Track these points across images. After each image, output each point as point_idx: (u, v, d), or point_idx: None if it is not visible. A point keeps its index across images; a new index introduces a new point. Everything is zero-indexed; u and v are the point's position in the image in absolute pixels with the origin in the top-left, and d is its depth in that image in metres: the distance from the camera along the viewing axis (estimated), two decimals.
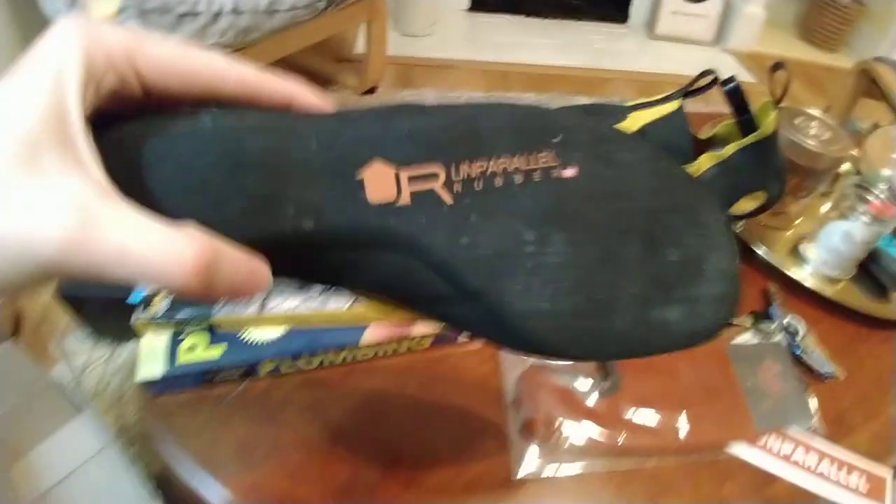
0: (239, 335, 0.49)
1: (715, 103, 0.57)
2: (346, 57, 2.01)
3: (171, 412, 0.48)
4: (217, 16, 1.06)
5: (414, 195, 0.22)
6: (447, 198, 0.23)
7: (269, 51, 1.34)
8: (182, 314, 0.48)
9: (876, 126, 0.93)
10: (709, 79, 0.51)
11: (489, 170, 0.23)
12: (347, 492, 0.44)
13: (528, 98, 2.09)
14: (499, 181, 0.23)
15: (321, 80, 1.96)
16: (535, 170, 0.24)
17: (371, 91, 1.93)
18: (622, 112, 0.54)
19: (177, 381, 0.47)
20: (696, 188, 0.27)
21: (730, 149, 0.53)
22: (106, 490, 0.91)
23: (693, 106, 0.54)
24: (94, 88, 0.19)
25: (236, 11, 1.09)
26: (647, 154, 0.26)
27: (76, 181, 0.17)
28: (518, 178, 0.23)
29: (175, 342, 0.48)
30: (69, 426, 0.98)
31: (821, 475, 0.50)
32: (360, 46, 1.89)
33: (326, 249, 0.23)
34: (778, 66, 0.53)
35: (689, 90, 0.52)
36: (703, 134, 0.59)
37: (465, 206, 0.23)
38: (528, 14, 2.64)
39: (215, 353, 0.48)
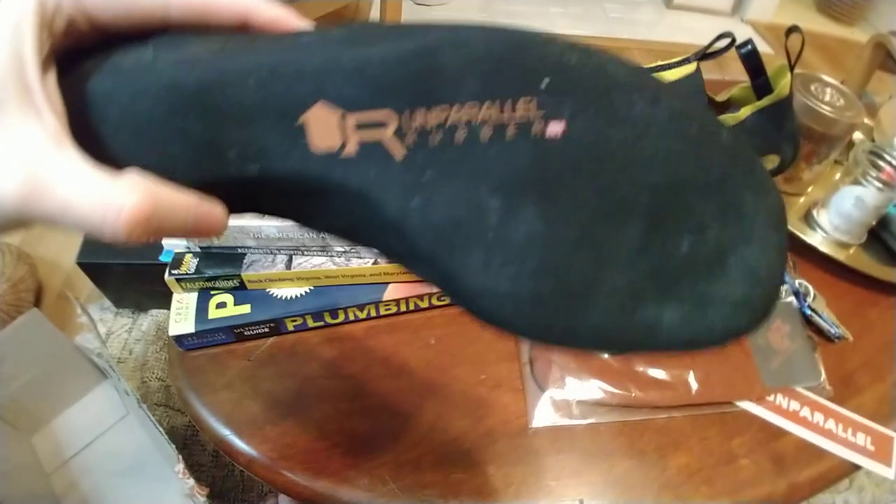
0: (266, 292, 0.51)
1: (730, 71, 0.57)
2: None
3: (200, 368, 0.50)
4: None
5: (361, 145, 0.19)
6: (398, 151, 0.19)
7: None
8: (211, 271, 0.49)
9: (891, 97, 0.92)
10: (726, 41, 0.52)
11: (450, 120, 0.19)
12: (369, 443, 0.46)
13: None
14: (461, 135, 0.19)
15: None
16: (508, 123, 0.19)
17: None
18: None
19: (207, 336, 0.49)
20: (740, 159, 0.21)
21: (745, 111, 0.54)
22: (129, 456, 0.94)
23: (708, 73, 0.55)
24: (47, 32, 0.19)
25: None
26: (674, 108, 0.20)
27: (33, 130, 0.17)
28: (485, 133, 0.19)
29: (205, 300, 0.50)
30: (93, 393, 1.00)
31: (828, 432, 0.51)
32: (375, 14, 1.88)
33: (278, 194, 0.21)
34: (792, 29, 0.54)
35: (707, 53, 0.53)
36: (720, 97, 0.59)
37: (418, 162, 0.20)
38: None
39: (245, 309, 0.50)
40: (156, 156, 0.19)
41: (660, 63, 0.55)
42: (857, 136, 0.84)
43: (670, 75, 0.53)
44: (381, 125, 0.19)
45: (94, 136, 0.19)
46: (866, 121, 0.80)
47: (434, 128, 0.19)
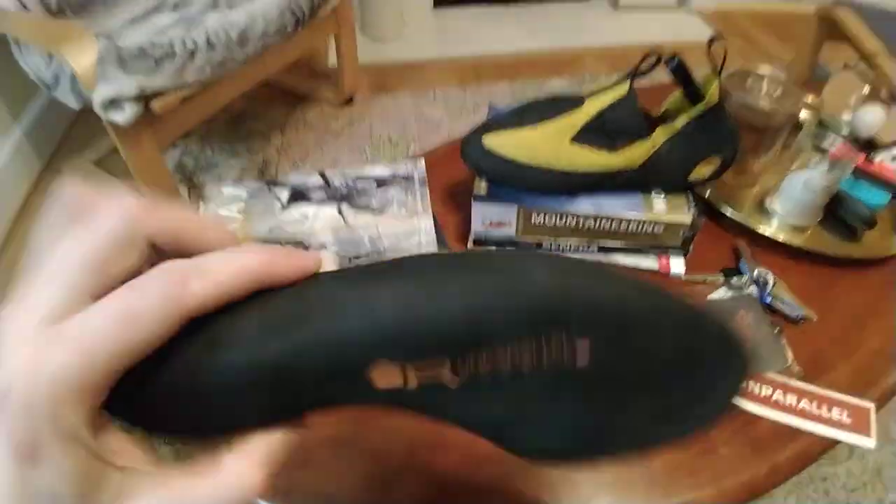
0: None
1: (659, 77, 0.60)
2: (321, 70, 2.03)
3: None
4: (193, 53, 1.08)
5: (421, 382, 0.23)
6: (453, 383, 0.23)
7: (247, 77, 1.37)
8: None
9: (846, 66, 0.94)
10: (652, 60, 0.55)
11: (497, 361, 0.23)
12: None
13: (506, 94, 2.11)
14: (506, 368, 0.23)
15: (300, 97, 1.99)
16: (544, 359, 0.24)
17: (349, 101, 1.96)
18: (580, 100, 0.58)
19: None
20: (723, 350, 0.27)
21: (681, 120, 0.57)
22: None
23: (639, 82, 0.57)
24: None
25: (210, 46, 1.11)
26: (672, 327, 0.25)
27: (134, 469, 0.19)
28: (526, 367, 0.23)
29: None
30: None
31: (802, 412, 0.53)
32: (332, 58, 1.91)
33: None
34: (714, 39, 0.57)
35: (636, 73, 0.56)
36: (656, 111, 0.63)
37: (472, 388, 0.23)
38: (491, 2, 2.64)
39: None
40: (232, 423, 0.23)
41: (593, 91, 0.58)
42: (804, 114, 0.87)
43: (608, 98, 0.56)
44: (438, 367, 0.23)
45: (171, 420, 0.22)
46: (807, 100, 0.83)
47: (484, 367, 0.23)
